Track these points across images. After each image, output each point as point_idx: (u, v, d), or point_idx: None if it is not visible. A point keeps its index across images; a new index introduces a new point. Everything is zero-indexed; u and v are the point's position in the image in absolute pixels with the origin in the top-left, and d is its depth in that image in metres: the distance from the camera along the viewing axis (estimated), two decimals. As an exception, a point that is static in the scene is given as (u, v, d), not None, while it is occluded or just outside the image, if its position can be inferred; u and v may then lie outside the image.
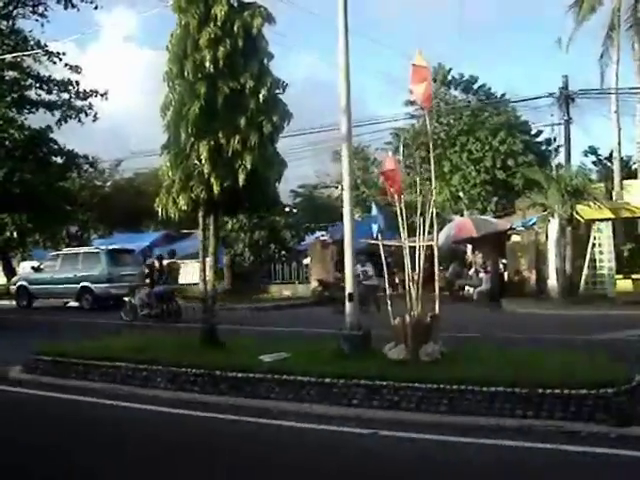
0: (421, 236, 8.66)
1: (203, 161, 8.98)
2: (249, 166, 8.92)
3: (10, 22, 33.57)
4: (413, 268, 8.55)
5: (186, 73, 9.25)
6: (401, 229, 8.53)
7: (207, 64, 9.13)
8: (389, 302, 8.81)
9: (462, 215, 32.85)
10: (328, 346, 9.62)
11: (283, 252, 28.90)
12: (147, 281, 19.53)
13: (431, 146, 9.30)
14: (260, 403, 8.11)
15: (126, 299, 20.02)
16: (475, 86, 40.87)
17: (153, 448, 6.56)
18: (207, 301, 10.03)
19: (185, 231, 42.56)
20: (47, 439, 7.00)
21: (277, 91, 9.68)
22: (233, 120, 9.13)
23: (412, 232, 8.91)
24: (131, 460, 6.17)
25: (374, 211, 9.48)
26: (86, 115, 33.22)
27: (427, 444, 6.60)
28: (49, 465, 6.08)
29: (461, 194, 35.57)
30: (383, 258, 9.25)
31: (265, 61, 9.72)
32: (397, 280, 18.83)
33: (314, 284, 26.39)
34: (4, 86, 32.79)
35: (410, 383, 7.66)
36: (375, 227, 9.33)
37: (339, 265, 27.30)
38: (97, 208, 42.76)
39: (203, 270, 9.95)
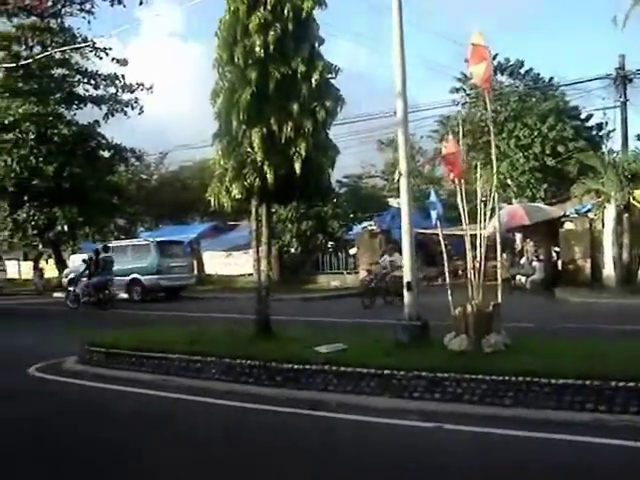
0: (482, 223, 8.35)
1: (256, 149, 8.77)
2: (303, 153, 8.70)
3: (59, 20, 34.09)
4: (453, 256, 8.22)
5: (236, 59, 9.05)
6: (463, 216, 8.19)
7: (257, 49, 8.91)
8: (449, 291, 8.50)
9: (510, 203, 32.14)
10: (385, 337, 9.36)
11: (331, 242, 28.72)
12: (86, 273, 22.17)
13: (492, 128, 9.05)
14: (317, 395, 7.91)
15: (70, 289, 22.72)
16: (522, 71, 39.94)
17: (216, 446, 6.40)
18: (261, 292, 9.86)
19: (232, 222, 42.76)
20: (101, 433, 6.91)
21: (329, 76, 9.42)
22: (285, 106, 8.90)
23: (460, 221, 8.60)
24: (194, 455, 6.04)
25: (432, 197, 9.16)
26: (132, 109, 33.62)
27: (492, 438, 6.31)
28: (114, 460, 5.99)
29: (509, 181, 34.83)
30: (443, 246, 8.93)
31: (316, 45, 9.46)
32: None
33: (363, 274, 26.11)
34: (53, 83, 33.36)
35: (473, 375, 7.36)
36: (434, 214, 9.01)
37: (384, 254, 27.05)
38: (144, 201, 43.21)
39: (257, 261, 9.76)
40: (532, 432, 6.28)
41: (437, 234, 22.57)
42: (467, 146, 38.56)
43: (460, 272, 15.85)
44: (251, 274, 26.20)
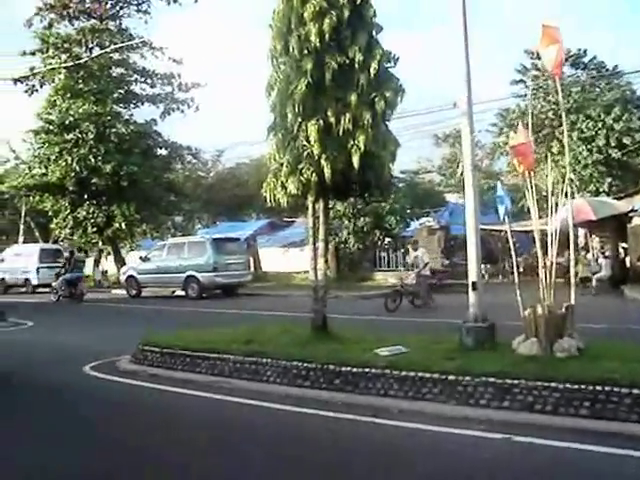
0: (551, 218, 7.80)
1: (312, 142, 8.40)
2: (362, 146, 8.28)
3: (117, 22, 34.66)
4: (517, 253, 7.66)
5: (291, 49, 8.70)
6: (533, 210, 7.66)
7: (312, 38, 8.54)
8: (518, 291, 7.98)
9: (573, 197, 31.01)
10: (448, 339, 8.90)
11: (388, 239, 28.21)
12: (63, 271, 25.03)
13: (564, 116, 8.36)
14: (378, 401, 7.51)
15: (53, 284, 25.47)
16: (585, 60, 38.61)
17: (293, 456, 6.07)
18: (317, 290, 9.49)
19: (288, 219, 42.67)
20: (154, 437, 6.67)
21: (388, 65, 8.98)
22: (343, 97, 8.51)
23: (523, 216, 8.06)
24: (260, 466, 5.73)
25: (500, 191, 8.61)
26: (188, 107, 33.86)
27: (568, 454, 5.78)
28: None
29: (571, 175, 33.64)
30: (511, 242, 8.40)
31: (374, 33, 9.04)
32: (506, 266, 17.68)
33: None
34: (112, 83, 33.82)
35: (546, 382, 6.84)
36: (502, 209, 8.47)
37: (447, 251, 26.43)
38: (200, 198, 43.48)
39: (314, 258, 9.40)
40: (612, 448, 5.73)
41: (497, 230, 22.08)
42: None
43: (522, 269, 15.21)
44: (307, 271, 25.99)
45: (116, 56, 34.30)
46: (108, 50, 30.13)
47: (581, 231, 26.48)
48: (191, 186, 43.61)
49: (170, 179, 35.07)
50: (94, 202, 32.11)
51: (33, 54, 32.58)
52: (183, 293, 24.95)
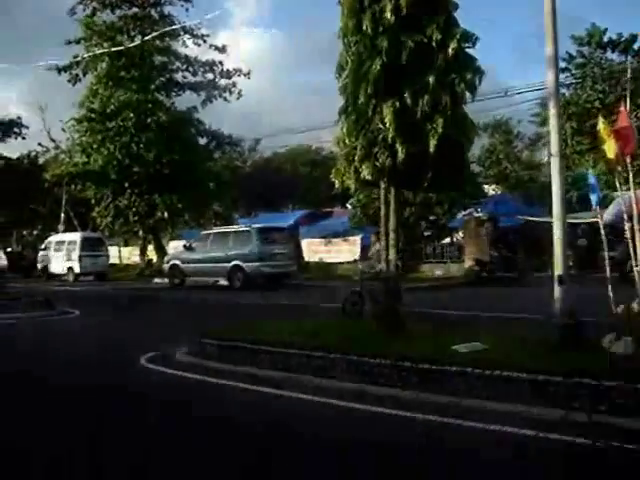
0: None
1: (387, 125, 7.93)
2: (440, 130, 7.79)
3: (159, 9, 34.52)
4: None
5: (364, 27, 8.22)
6: (633, 200, 7.08)
7: (388, 15, 8.06)
8: (609, 286, 7.43)
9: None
10: (528, 335, 8.38)
11: (434, 230, 27.60)
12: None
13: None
14: (460, 401, 7.02)
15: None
16: (636, 46, 37.39)
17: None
18: (389, 282, 9.03)
19: (326, 209, 42.23)
20: (222, 438, 6.28)
21: (466, 45, 8.46)
22: (420, 78, 8.03)
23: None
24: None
25: (592, 180, 8.04)
26: (230, 94, 33.56)
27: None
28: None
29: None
30: (603, 235, 7.84)
31: (451, 10, 8.52)
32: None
33: (469, 263, 24.94)
34: (153, 71, 33.67)
35: (648, 384, 6.30)
36: (594, 197, 7.91)
37: (496, 243, 25.76)
38: (238, 188, 43.27)
39: (386, 249, 8.95)
40: None
41: (546, 222, 21.31)
42: (572, 129, 36.54)
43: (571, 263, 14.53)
44: (350, 262, 25.55)
45: (158, 44, 34.16)
46: (149, 37, 29.90)
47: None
48: (229, 175, 43.42)
49: (211, 167, 34.86)
50: (135, 191, 32.03)
51: (78, 42, 32.67)
52: (226, 283, 24.66)
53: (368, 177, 8.19)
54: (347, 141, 8.40)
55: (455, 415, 6.60)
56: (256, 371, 8.97)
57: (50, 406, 7.64)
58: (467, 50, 8.54)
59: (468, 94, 8.33)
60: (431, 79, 7.99)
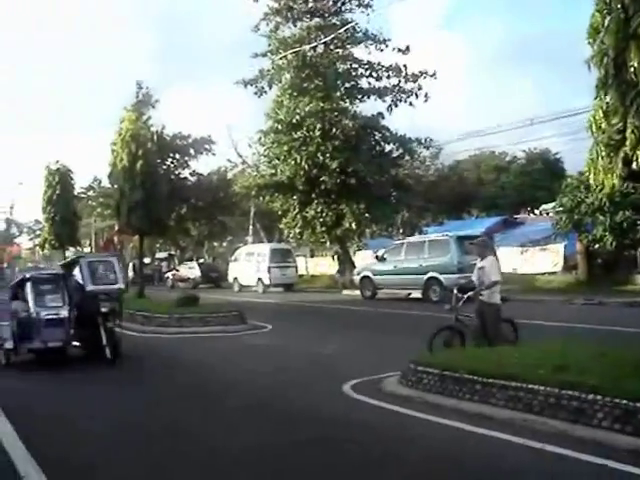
0: None
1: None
2: None
3: (339, 17, 34.04)
4: None
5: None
6: None
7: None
8: None
9: None
10: None
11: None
12: None
13: None
14: None
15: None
16: None
17: None
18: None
19: (517, 217, 39.46)
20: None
21: None
22: None
23: None
24: None
25: None
26: (416, 97, 32.17)
27: None
28: None
29: None
30: None
31: None
32: None
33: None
34: (337, 79, 33.13)
35: None
36: None
37: None
38: (421, 196, 41.75)
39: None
40: None
41: None
42: None
43: None
44: (552, 272, 22.92)
45: (339, 52, 33.68)
46: (327, 41, 29.25)
47: None
48: (413, 182, 42.00)
49: (398, 175, 33.63)
50: (322, 201, 31.55)
51: (264, 55, 32.92)
52: (419, 295, 23.07)
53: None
54: (606, 122, 6.51)
55: None
56: (486, 410, 7.35)
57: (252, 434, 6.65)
58: None
59: None
60: None
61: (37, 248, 61.54)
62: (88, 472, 5.99)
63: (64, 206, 34.39)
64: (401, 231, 34.28)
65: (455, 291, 10.83)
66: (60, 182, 34.50)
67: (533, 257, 30.07)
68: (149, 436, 7.16)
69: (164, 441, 6.91)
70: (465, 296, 10.36)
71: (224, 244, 61.23)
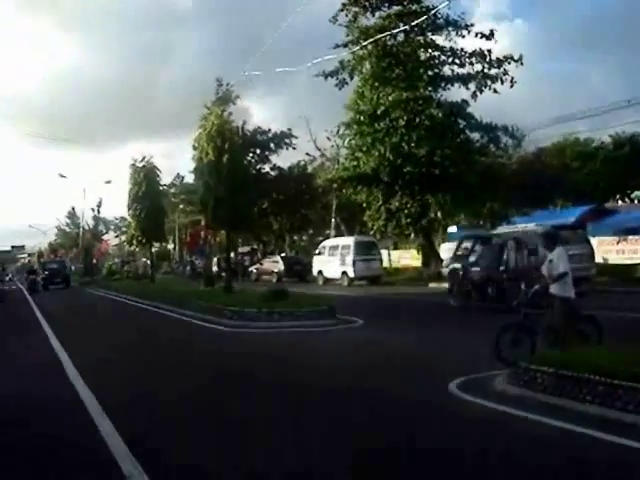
0: None
1: None
2: None
3: (419, 4, 33.38)
4: None
5: None
6: None
7: None
8: None
9: None
10: None
11: None
12: None
13: None
14: None
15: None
16: None
17: None
18: None
19: (607, 205, 37.74)
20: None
21: None
22: None
23: None
24: None
25: None
26: (502, 83, 31.20)
27: None
28: None
29: None
30: None
31: None
32: None
33: None
34: (420, 67, 32.47)
35: None
36: None
37: None
38: (505, 185, 40.54)
39: None
40: None
41: None
42: None
43: None
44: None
45: (420, 39, 33.00)
46: (407, 28, 28.59)
47: None
48: (495, 172, 40.86)
49: (485, 163, 32.70)
50: (407, 192, 31.01)
51: (345, 45, 32.59)
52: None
53: None
54: None
55: None
56: (609, 413, 6.83)
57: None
58: None
59: None
60: None
61: (125, 244, 63.34)
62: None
63: (150, 202, 35.14)
64: (490, 221, 33.20)
65: (522, 286, 10.27)
66: (146, 179, 35.30)
67: (631, 247, 28.67)
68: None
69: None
70: (532, 290, 9.84)
71: (304, 238, 61.48)
